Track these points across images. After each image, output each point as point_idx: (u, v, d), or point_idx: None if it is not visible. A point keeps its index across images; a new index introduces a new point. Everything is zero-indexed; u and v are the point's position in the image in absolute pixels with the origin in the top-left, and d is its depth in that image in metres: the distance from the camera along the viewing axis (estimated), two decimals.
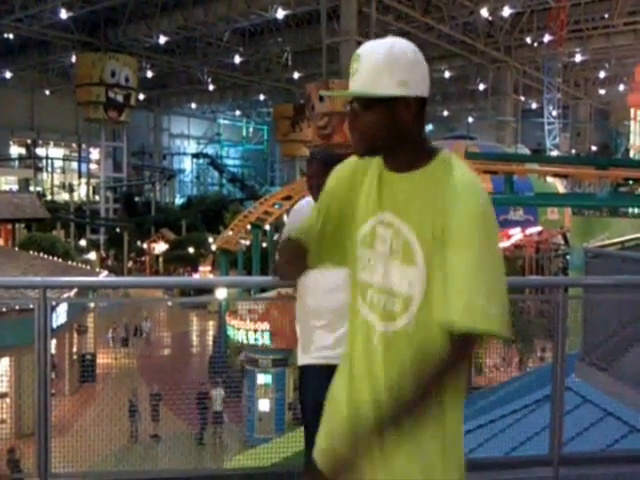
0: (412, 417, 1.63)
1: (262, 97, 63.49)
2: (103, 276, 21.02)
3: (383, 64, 1.66)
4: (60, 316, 15.73)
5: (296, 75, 50.87)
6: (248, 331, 17.32)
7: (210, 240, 39.40)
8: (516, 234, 34.03)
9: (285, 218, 22.41)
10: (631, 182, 21.88)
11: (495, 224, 1.67)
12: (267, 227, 26.80)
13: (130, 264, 44.71)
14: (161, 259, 43.73)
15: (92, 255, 40.21)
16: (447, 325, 1.60)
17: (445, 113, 68.46)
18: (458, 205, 1.63)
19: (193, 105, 70.06)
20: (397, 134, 1.72)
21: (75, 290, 10.08)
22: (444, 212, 1.64)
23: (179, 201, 67.79)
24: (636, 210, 23.31)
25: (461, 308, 1.58)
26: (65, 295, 10.08)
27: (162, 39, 43.77)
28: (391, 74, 1.66)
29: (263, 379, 16.48)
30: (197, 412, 13.03)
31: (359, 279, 1.83)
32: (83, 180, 57.89)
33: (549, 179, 30.25)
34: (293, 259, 2.03)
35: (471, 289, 1.58)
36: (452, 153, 1.77)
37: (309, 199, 3.04)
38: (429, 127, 73.34)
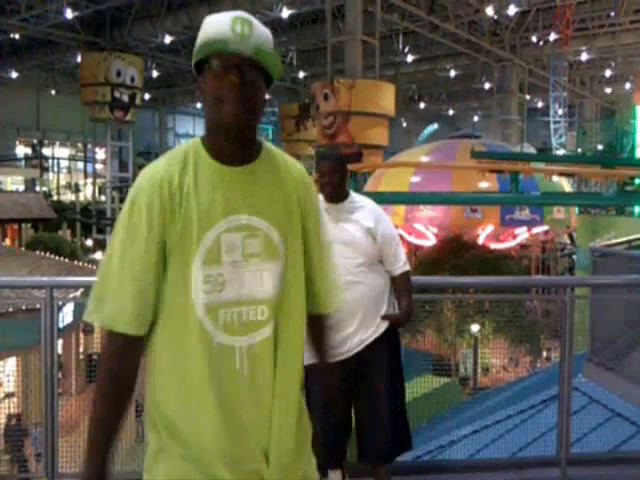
0: None
1: (267, 96, 63.43)
2: None
3: (272, 46, 1.60)
4: (67, 316, 15.75)
5: (301, 74, 50.87)
6: None
7: None
8: (522, 233, 33.93)
9: None
10: (637, 181, 21.82)
11: None
12: None
13: None
14: None
15: (98, 255, 40.25)
16: (328, 309, 1.77)
17: (450, 112, 68.32)
18: (309, 196, 1.69)
19: (198, 105, 70.06)
20: (259, 118, 1.65)
21: (81, 290, 10.09)
22: (299, 203, 1.64)
23: None
24: None
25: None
26: (72, 295, 10.08)
27: (167, 39, 43.82)
28: (278, 59, 1.63)
29: None
30: None
31: (206, 305, 1.49)
32: (89, 180, 58.03)
33: (555, 178, 30.17)
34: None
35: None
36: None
37: (320, 197, 3.07)
38: (434, 126, 73.12)
